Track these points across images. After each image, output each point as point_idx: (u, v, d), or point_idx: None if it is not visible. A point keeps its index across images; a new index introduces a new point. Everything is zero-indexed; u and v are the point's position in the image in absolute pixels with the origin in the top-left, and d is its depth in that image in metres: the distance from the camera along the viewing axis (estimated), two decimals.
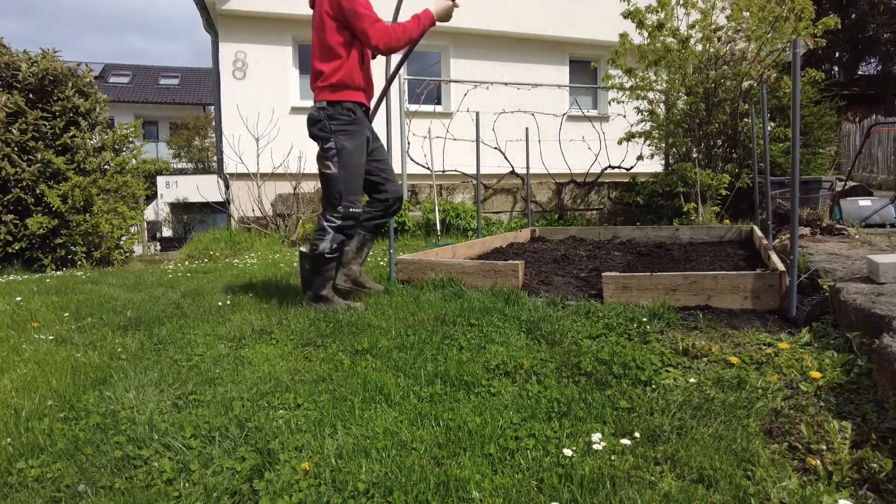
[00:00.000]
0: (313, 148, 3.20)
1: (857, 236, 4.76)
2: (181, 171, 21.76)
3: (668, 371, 2.12)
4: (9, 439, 1.70)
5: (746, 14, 6.74)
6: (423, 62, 10.66)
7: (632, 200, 8.53)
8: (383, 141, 3.54)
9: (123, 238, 6.70)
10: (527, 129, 7.28)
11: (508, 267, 3.52)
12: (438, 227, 7.16)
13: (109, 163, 6.51)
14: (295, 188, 8.11)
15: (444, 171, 8.50)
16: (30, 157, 5.96)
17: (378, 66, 3.94)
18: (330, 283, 3.20)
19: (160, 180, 17.46)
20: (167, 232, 16.90)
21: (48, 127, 6.07)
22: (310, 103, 9.75)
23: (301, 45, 9.74)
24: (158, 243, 15.69)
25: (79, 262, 6.05)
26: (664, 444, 1.59)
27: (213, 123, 14.02)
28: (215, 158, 11.70)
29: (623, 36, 7.32)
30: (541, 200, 8.67)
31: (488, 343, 2.47)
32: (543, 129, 8.75)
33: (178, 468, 1.54)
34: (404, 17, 3.32)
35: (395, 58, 3.71)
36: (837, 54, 19.79)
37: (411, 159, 8.25)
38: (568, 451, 1.53)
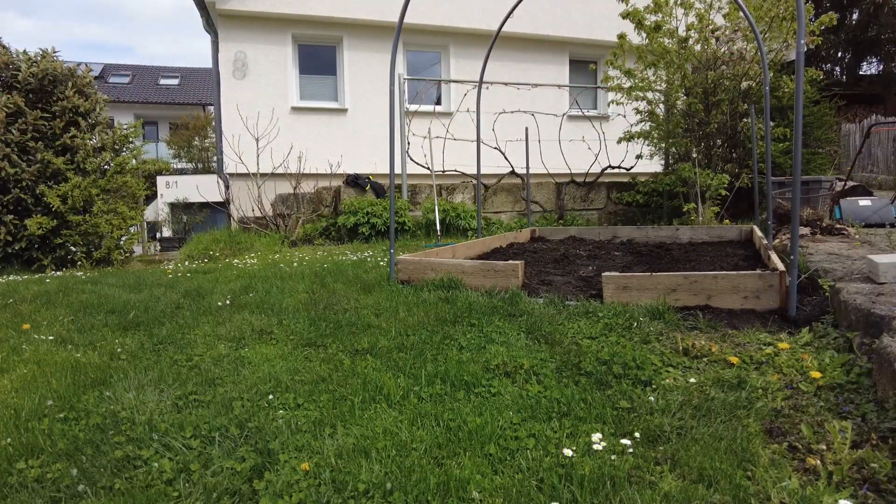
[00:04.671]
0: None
1: (857, 236, 4.75)
2: (181, 171, 21.75)
3: (668, 371, 2.12)
4: (9, 439, 1.70)
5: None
6: (424, 62, 10.66)
7: (632, 200, 8.53)
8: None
9: (123, 238, 6.70)
10: (526, 128, 7.27)
11: (508, 267, 3.52)
12: (438, 227, 7.16)
13: (109, 163, 6.50)
14: (295, 188, 8.11)
15: (444, 171, 8.50)
16: (30, 157, 5.96)
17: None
18: None
19: (160, 180, 17.44)
20: (167, 232, 16.88)
21: (48, 127, 6.07)
22: (310, 103, 9.82)
23: (301, 45, 9.73)
24: (158, 243, 15.67)
25: (78, 263, 6.04)
26: (664, 444, 1.59)
27: (213, 123, 14.02)
28: (215, 158, 11.71)
29: (621, 37, 7.31)
30: (541, 200, 8.67)
31: (488, 343, 2.47)
32: (543, 129, 8.74)
33: (178, 468, 1.54)
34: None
35: None
36: (839, 54, 19.79)
37: (411, 159, 8.25)
38: (568, 451, 1.53)
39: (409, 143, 8.22)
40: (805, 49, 2.70)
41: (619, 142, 7.98)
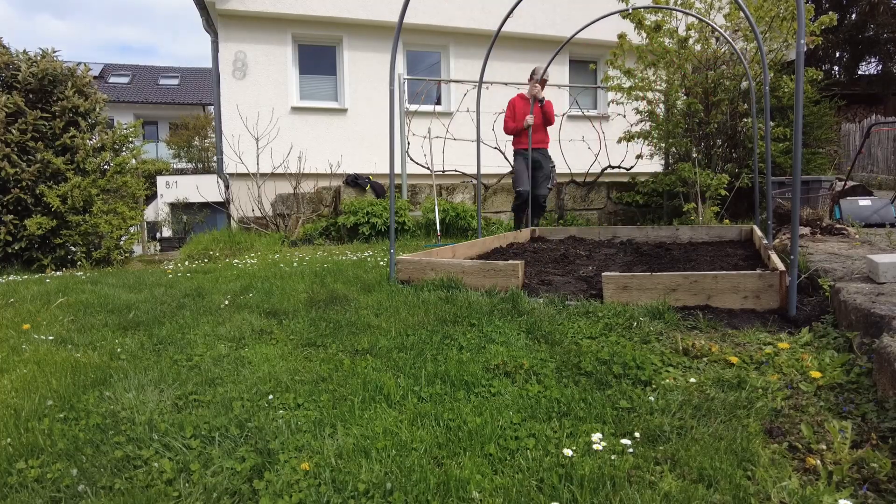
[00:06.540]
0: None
1: (857, 236, 4.75)
2: (181, 171, 21.73)
3: (668, 371, 2.12)
4: (9, 439, 1.70)
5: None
6: (424, 62, 10.65)
7: (631, 200, 8.53)
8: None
9: (123, 238, 6.70)
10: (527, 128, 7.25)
11: (508, 267, 3.52)
12: (438, 227, 7.15)
13: (109, 163, 6.50)
14: (295, 188, 8.11)
15: (444, 171, 8.50)
16: (29, 157, 5.96)
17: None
18: None
19: (160, 180, 17.44)
20: (167, 232, 16.88)
21: (48, 127, 6.07)
22: (310, 103, 9.85)
23: (301, 45, 9.73)
24: (158, 243, 15.68)
25: (78, 263, 6.04)
26: (664, 443, 1.59)
27: (213, 123, 14.03)
28: (215, 158, 11.71)
29: (621, 37, 7.31)
30: None
31: (488, 343, 2.47)
32: None
33: (178, 468, 1.54)
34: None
35: None
36: (838, 54, 19.79)
37: (411, 159, 8.25)
38: (568, 451, 1.53)
39: (409, 143, 8.22)
40: (805, 49, 2.70)
41: (619, 142, 7.98)
